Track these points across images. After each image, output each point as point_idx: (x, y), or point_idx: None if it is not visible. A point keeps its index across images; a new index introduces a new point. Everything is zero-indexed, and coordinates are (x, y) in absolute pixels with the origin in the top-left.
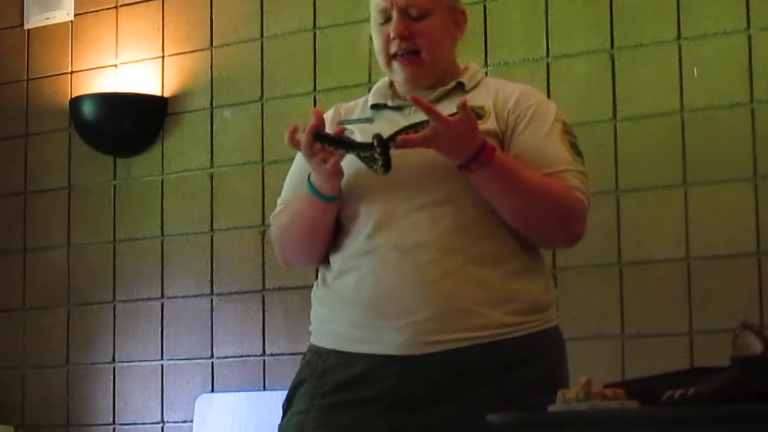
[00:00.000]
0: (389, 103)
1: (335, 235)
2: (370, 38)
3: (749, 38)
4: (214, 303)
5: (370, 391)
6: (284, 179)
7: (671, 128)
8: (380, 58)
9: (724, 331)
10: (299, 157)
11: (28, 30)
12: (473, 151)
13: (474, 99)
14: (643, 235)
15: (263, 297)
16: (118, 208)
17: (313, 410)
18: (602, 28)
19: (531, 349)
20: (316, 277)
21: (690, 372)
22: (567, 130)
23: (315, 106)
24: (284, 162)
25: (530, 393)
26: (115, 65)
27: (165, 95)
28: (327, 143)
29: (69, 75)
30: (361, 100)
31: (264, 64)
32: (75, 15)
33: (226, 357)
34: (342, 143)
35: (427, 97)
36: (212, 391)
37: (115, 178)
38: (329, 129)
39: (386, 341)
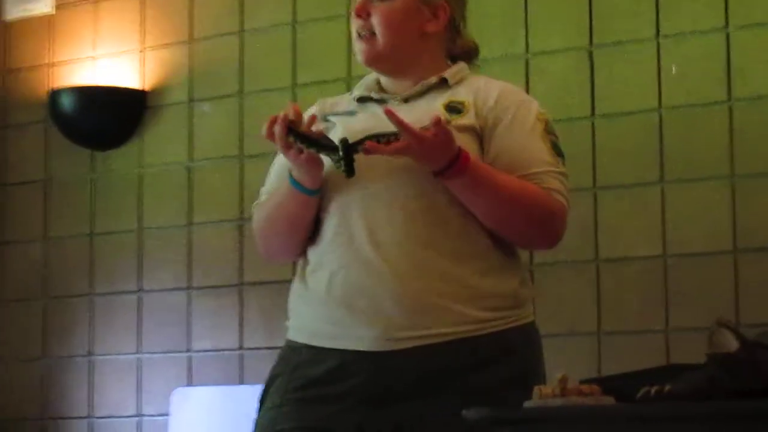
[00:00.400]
0: (373, 95)
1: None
2: (350, 33)
3: (727, 37)
4: (191, 297)
5: (342, 386)
6: (263, 174)
7: (649, 126)
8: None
9: (701, 329)
10: None
11: (8, 22)
12: (448, 160)
13: (456, 94)
14: (620, 233)
15: (241, 291)
16: (95, 201)
17: (286, 404)
18: (581, 25)
19: (505, 346)
20: (294, 272)
21: (666, 369)
22: (549, 130)
23: (294, 100)
24: (263, 156)
25: (504, 390)
26: (94, 58)
27: (144, 89)
28: (298, 140)
29: (47, 67)
30: (348, 94)
31: (243, 58)
32: (55, 8)
33: (203, 351)
34: (310, 141)
35: (410, 91)
36: (189, 384)
37: (93, 171)
38: (318, 124)
39: (357, 337)
